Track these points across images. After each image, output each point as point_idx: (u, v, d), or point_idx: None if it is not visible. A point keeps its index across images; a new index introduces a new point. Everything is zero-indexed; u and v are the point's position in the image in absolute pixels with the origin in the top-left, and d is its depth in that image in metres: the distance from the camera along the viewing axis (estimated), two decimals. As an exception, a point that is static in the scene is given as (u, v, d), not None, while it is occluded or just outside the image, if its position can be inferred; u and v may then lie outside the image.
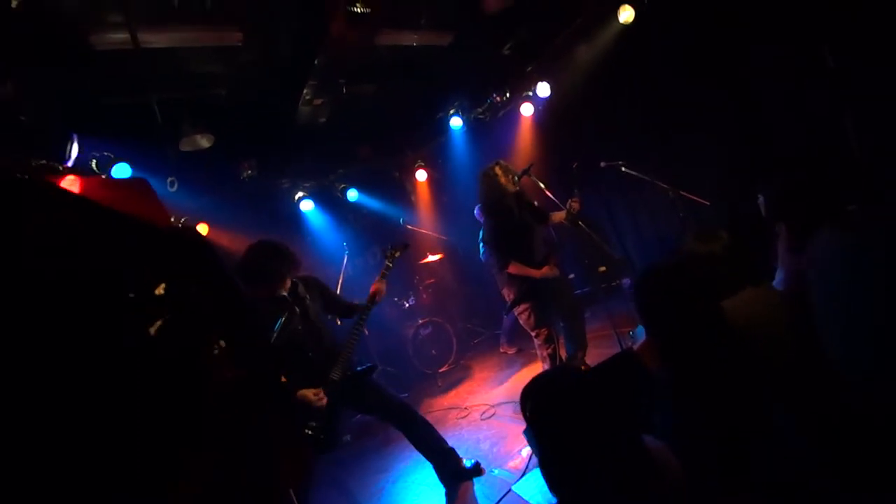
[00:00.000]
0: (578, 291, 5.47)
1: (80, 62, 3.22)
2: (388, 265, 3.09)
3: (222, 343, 1.05)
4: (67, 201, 1.15)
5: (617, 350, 3.28)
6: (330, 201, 6.16)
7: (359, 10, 3.32)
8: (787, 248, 1.68)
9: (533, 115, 5.77)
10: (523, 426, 1.36)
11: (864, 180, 3.20)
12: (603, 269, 5.31)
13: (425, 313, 5.46)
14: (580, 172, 3.45)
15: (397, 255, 3.20)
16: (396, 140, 6.38)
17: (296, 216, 5.93)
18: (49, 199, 1.09)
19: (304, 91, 4.29)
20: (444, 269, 6.48)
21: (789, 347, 1.39)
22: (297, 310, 2.70)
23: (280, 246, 2.73)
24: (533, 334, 3.45)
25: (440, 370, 5.18)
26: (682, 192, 3.60)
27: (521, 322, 3.53)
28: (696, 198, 3.59)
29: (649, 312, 1.45)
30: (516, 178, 3.37)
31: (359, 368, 2.78)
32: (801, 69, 3.54)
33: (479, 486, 2.84)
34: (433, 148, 6.67)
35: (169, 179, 4.11)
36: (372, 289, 2.95)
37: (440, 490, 2.86)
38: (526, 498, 2.54)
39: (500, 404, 3.95)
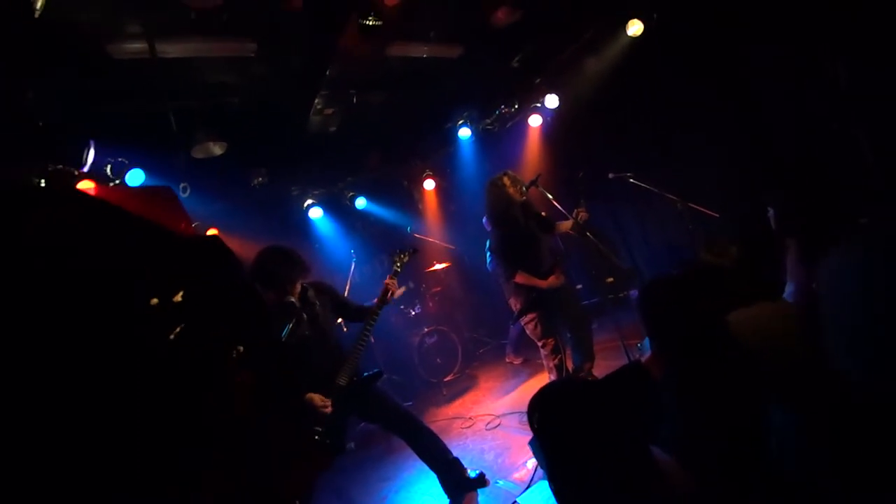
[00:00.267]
0: (586, 302, 5.44)
1: (98, 71, 3.30)
2: (396, 269, 3.07)
3: (240, 349, 1.07)
4: (87, 206, 1.17)
5: (624, 362, 3.25)
6: (338, 209, 6.21)
7: (370, 22, 3.38)
8: (798, 262, 1.67)
9: (541, 126, 5.80)
10: (528, 437, 1.36)
11: (875, 191, 3.18)
12: (611, 279, 5.28)
13: (431, 322, 5.46)
14: (585, 182, 3.46)
15: (405, 258, 3.17)
16: (405, 149, 6.44)
17: (305, 223, 5.98)
18: (68, 203, 1.12)
19: (316, 101, 4.35)
20: (451, 278, 6.48)
21: (802, 361, 1.39)
22: (305, 316, 2.72)
23: (290, 251, 2.75)
24: (539, 344, 3.44)
25: (445, 379, 5.16)
26: (690, 204, 3.59)
27: (527, 332, 3.53)
28: (704, 210, 3.58)
29: (654, 324, 1.45)
30: (524, 188, 3.39)
31: (365, 374, 2.78)
32: (811, 80, 3.54)
33: (483, 497, 2.82)
34: (441, 158, 6.72)
35: (182, 185, 4.18)
36: (384, 286, 2.90)
37: (444, 501, 2.84)
38: (531, 510, 2.52)
39: (505, 415, 3.92)
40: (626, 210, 5.18)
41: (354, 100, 4.54)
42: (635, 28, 4.41)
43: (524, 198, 3.39)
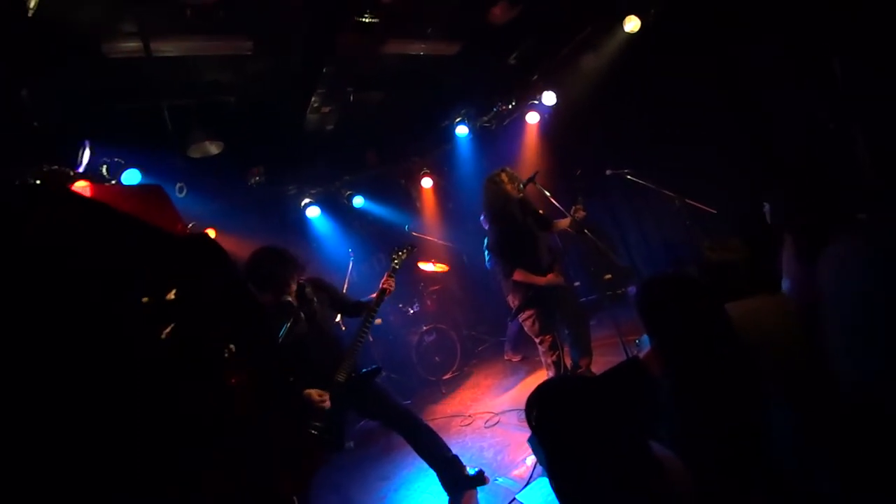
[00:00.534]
0: (584, 299, 5.45)
1: (93, 70, 3.28)
2: (394, 267, 3.09)
3: (232, 347, 1.06)
4: (81, 206, 1.17)
5: (623, 358, 3.26)
6: (336, 208, 6.20)
7: (367, 19, 3.37)
8: (794, 257, 1.67)
9: (538, 123, 5.79)
10: (528, 434, 1.36)
11: (872, 188, 3.19)
12: (608, 276, 5.29)
13: (429, 320, 5.46)
14: (583, 180, 3.46)
15: (403, 256, 3.19)
16: (403, 147, 6.43)
17: (302, 222, 5.96)
18: (63, 203, 1.11)
19: (313, 99, 4.34)
20: (449, 276, 6.48)
21: (798, 355, 1.39)
22: (303, 314, 2.72)
23: (283, 251, 2.76)
24: (537, 341, 3.44)
25: (444, 377, 5.16)
26: (688, 200, 3.59)
27: (525, 329, 3.53)
28: (702, 206, 3.58)
29: (653, 321, 1.45)
30: (522, 185, 3.39)
31: (363, 370, 2.79)
32: (809, 78, 3.54)
33: (482, 494, 2.82)
34: (439, 155, 6.71)
35: (178, 185, 4.16)
36: (382, 283, 2.93)
37: (443, 498, 2.84)
38: (530, 507, 2.52)
39: (504, 412, 3.93)
40: (623, 207, 5.18)
41: (352, 98, 4.53)
42: (632, 25, 4.40)
43: (522, 195, 3.39)
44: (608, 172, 3.68)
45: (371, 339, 5.08)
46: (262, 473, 1.16)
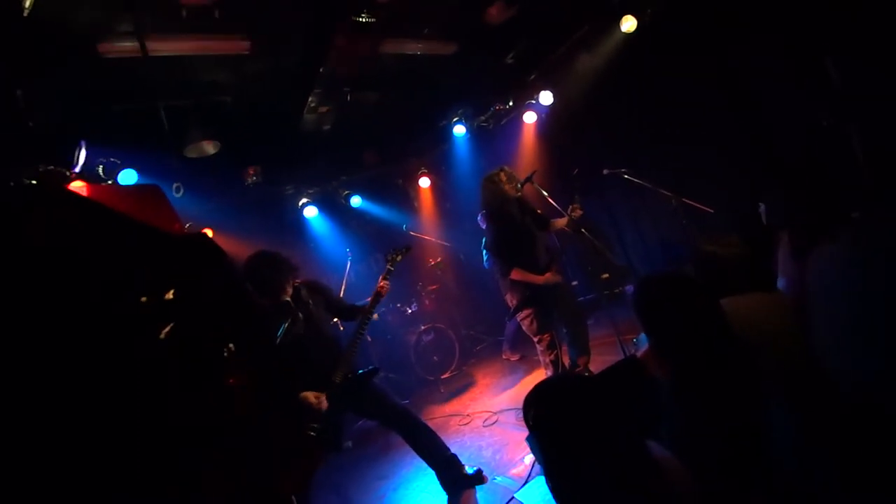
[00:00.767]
0: (582, 298, 5.46)
1: (89, 70, 3.27)
2: (389, 269, 3.10)
3: (231, 347, 1.06)
4: (78, 206, 1.17)
5: (620, 357, 3.27)
6: (333, 208, 6.19)
7: (364, 19, 3.37)
8: (790, 256, 1.68)
9: (535, 123, 5.80)
10: (526, 433, 1.36)
11: (866, 187, 3.20)
12: (606, 276, 5.30)
13: (428, 319, 5.46)
14: (580, 179, 3.47)
15: (399, 258, 3.21)
16: (400, 147, 6.43)
17: (299, 222, 5.95)
18: (60, 204, 1.11)
19: (310, 99, 4.33)
20: (447, 276, 6.48)
21: (796, 353, 1.40)
22: (301, 315, 2.72)
23: (276, 255, 2.77)
24: (535, 340, 3.45)
25: (442, 377, 5.16)
26: (685, 200, 3.60)
27: (523, 328, 3.53)
28: (699, 205, 3.60)
29: (650, 319, 1.46)
30: (519, 184, 3.39)
31: (360, 371, 2.79)
32: (806, 77, 3.56)
33: (481, 493, 2.82)
34: (436, 155, 6.71)
35: (175, 185, 4.15)
36: (377, 287, 2.95)
37: (442, 497, 2.85)
38: (528, 506, 2.53)
39: (502, 411, 3.94)
40: (620, 206, 5.19)
41: (349, 97, 4.52)
42: (629, 24, 4.42)
43: (520, 194, 3.40)
44: (605, 172, 3.69)
45: (369, 338, 5.09)
46: (262, 473, 1.16)
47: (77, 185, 3.27)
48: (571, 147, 5.52)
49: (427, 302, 5.79)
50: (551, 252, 3.54)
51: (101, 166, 3.74)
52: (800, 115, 3.66)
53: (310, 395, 2.52)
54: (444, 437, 2.94)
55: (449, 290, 6.42)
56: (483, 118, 6.05)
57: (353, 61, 3.92)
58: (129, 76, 3.39)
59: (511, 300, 3.50)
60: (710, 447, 1.31)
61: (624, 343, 3.36)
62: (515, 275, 3.32)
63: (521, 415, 1.49)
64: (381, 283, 2.96)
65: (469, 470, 2.90)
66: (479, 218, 4.44)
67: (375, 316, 4.46)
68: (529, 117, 5.70)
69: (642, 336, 1.65)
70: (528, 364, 4.84)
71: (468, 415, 4.16)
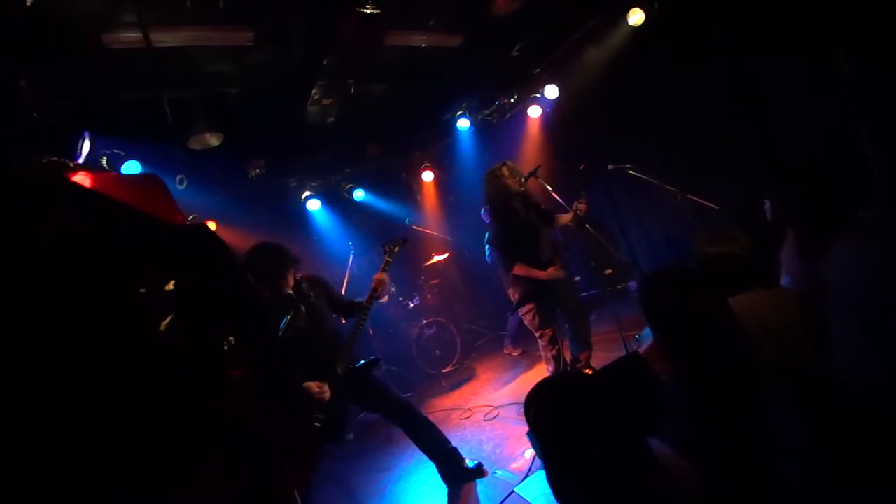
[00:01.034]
0: (585, 294, 5.45)
1: (93, 61, 3.26)
2: (387, 260, 3.11)
3: (232, 340, 1.06)
4: (79, 196, 1.16)
5: (623, 353, 3.26)
6: (336, 201, 6.18)
7: (368, 10, 3.34)
8: (794, 254, 1.66)
9: (540, 117, 5.75)
10: (526, 428, 1.35)
11: (877, 185, 3.17)
12: (609, 271, 5.28)
13: (430, 313, 5.46)
14: (586, 174, 3.44)
15: (396, 249, 3.22)
16: (404, 140, 6.40)
17: (303, 215, 5.95)
18: (61, 194, 1.10)
19: (314, 91, 4.31)
20: (450, 270, 6.47)
21: (800, 351, 1.38)
22: (303, 307, 2.73)
23: (277, 247, 2.78)
24: (537, 335, 3.45)
25: (444, 370, 5.18)
26: (690, 196, 3.58)
27: (525, 322, 3.53)
28: (704, 201, 3.57)
29: (656, 315, 1.45)
30: (523, 179, 3.37)
31: (361, 362, 2.80)
32: (812, 72, 3.51)
33: (481, 487, 2.84)
34: (440, 149, 6.68)
35: (178, 177, 4.15)
36: (374, 282, 2.94)
37: (442, 490, 2.86)
38: (529, 500, 2.54)
39: (503, 406, 3.94)
40: (625, 202, 5.16)
41: (353, 90, 4.49)
42: (636, 17, 4.37)
43: (523, 188, 3.38)
44: (610, 167, 3.66)
45: (371, 331, 5.10)
46: (262, 473, 1.16)
47: (80, 176, 3.27)
48: (576, 142, 5.49)
49: (429, 296, 5.79)
50: (554, 247, 3.53)
51: (104, 157, 3.75)
52: (809, 112, 3.62)
53: (313, 385, 2.54)
54: (445, 431, 2.96)
55: (451, 284, 6.42)
56: (488, 112, 6.02)
57: (358, 53, 3.89)
58: (132, 67, 3.38)
59: (513, 295, 3.49)
60: (712, 444, 1.31)
61: (626, 339, 3.35)
62: (518, 270, 3.31)
63: (521, 409, 1.49)
64: (379, 276, 2.96)
65: (469, 463, 2.91)
66: (482, 212, 4.42)
67: (384, 299, 4.48)
68: (534, 111, 5.66)
69: (645, 332, 1.64)
70: (529, 359, 4.84)
71: (469, 409, 4.17)
